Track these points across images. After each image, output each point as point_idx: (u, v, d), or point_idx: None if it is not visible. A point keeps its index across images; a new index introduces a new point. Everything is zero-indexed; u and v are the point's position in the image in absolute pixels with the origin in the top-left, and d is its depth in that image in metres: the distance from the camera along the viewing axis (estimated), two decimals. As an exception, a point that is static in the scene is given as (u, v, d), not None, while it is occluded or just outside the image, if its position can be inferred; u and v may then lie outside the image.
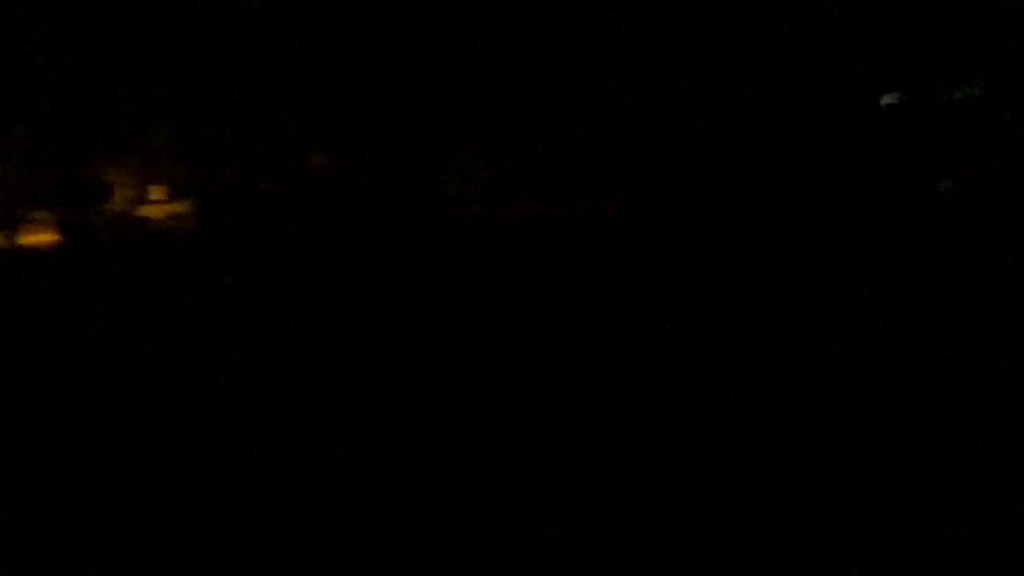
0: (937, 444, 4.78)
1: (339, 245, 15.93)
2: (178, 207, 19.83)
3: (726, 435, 4.89)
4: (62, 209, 18.37)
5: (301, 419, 5.58)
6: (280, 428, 5.44)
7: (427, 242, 16.16)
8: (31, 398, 6.56)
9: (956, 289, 8.16)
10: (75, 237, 17.79)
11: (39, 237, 18.76)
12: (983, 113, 15.58)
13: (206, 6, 18.24)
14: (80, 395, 6.52)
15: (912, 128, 16.38)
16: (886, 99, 17.19)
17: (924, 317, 7.55)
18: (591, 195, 19.43)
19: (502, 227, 17.50)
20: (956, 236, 11.56)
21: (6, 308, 11.64)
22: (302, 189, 18.65)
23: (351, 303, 10.37)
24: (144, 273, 14.46)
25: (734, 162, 16.42)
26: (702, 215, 15.72)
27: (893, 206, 15.00)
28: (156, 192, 21.75)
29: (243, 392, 6.30)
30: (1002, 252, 9.92)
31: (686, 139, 17.12)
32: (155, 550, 3.83)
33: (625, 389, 5.89)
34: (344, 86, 19.44)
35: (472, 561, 3.58)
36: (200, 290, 12.43)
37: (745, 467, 4.43)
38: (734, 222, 14.99)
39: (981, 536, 3.76)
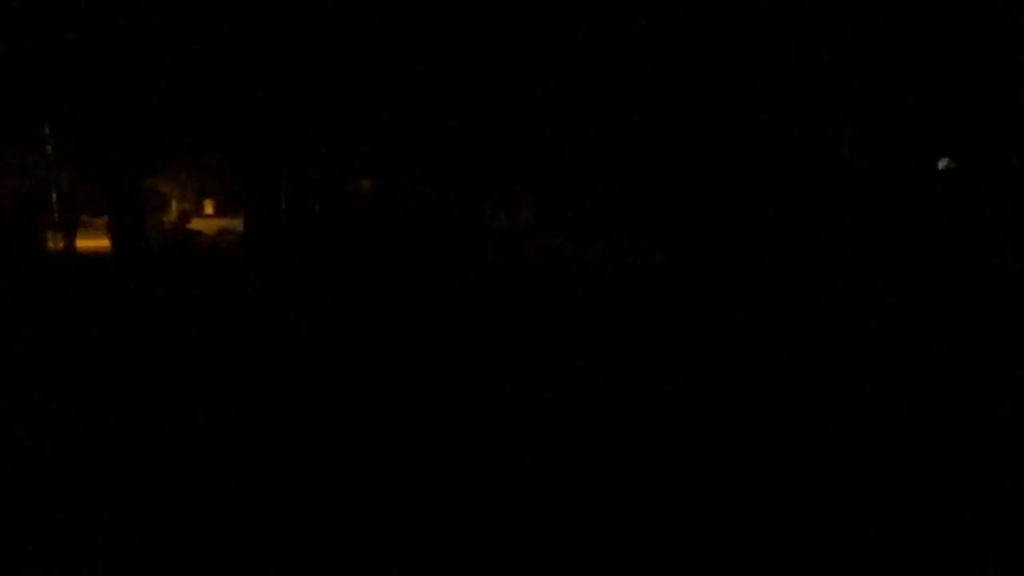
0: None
1: (389, 266, 16.29)
2: (229, 222, 20.53)
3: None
4: (119, 216, 18.94)
5: (334, 429, 5.72)
6: (311, 434, 5.57)
7: (473, 270, 16.59)
8: (79, 389, 6.76)
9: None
10: (130, 243, 18.29)
11: (96, 241, 19.43)
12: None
13: (263, 42, 18.99)
14: (126, 390, 6.70)
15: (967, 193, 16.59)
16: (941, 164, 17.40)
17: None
18: (614, 235, 20.81)
19: (538, 259, 18.22)
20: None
21: (61, 304, 12.02)
22: (352, 212, 19.20)
23: (397, 319, 10.61)
24: (192, 280, 14.84)
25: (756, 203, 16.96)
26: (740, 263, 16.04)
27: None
28: (209, 206, 22.68)
29: (279, 398, 6.45)
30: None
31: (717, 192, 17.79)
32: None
33: (642, 404, 6.04)
34: (406, 127, 20.11)
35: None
36: (243, 300, 12.71)
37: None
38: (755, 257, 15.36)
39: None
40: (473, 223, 19.07)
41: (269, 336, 8.92)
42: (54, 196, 21.19)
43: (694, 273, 16.05)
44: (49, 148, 21.09)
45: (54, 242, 19.69)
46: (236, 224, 20.06)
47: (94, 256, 18.61)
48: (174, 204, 20.89)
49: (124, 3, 18.14)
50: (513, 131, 20.67)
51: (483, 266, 16.92)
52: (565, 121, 20.25)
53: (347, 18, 18.91)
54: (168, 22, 18.43)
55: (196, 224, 20.55)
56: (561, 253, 19.23)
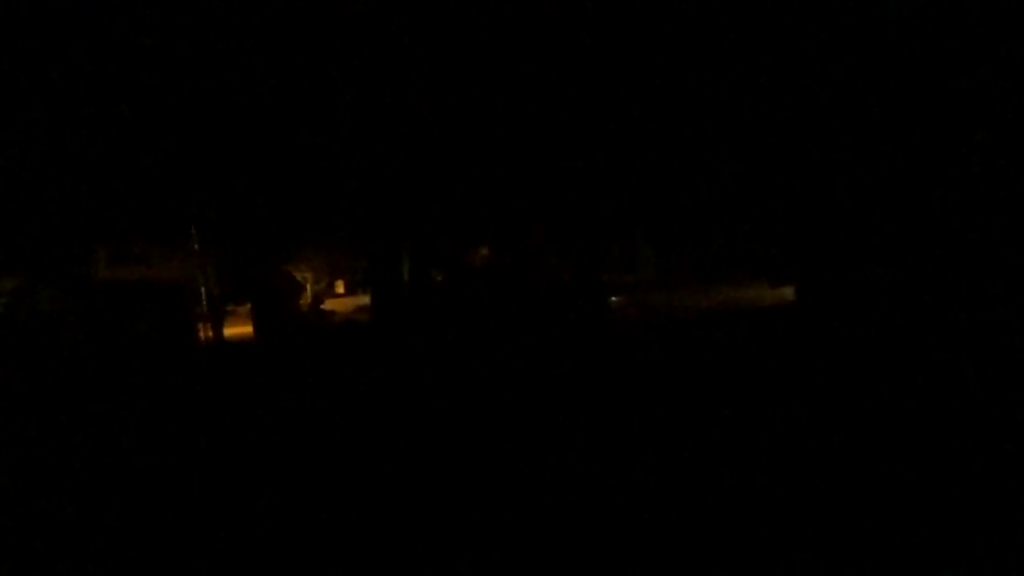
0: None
1: (511, 331, 16.37)
2: (360, 299, 21.42)
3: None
4: (260, 304, 20.17)
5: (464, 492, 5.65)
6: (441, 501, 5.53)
7: (593, 329, 16.40)
8: (229, 467, 7.06)
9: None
10: (271, 329, 19.38)
11: (241, 328, 20.74)
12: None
13: (372, 132, 19.86)
14: (274, 465, 6.95)
15: None
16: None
17: None
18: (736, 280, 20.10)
19: (659, 314, 17.86)
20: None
21: (210, 389, 12.80)
22: (473, 279, 19.49)
23: (522, 380, 10.54)
24: (329, 358, 15.48)
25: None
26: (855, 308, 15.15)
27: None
28: (340, 286, 23.86)
29: (410, 468, 6.49)
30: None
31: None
32: None
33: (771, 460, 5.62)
34: (519, 188, 20.36)
35: None
36: (378, 370, 13.04)
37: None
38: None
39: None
40: (593, 280, 18.87)
41: (401, 414, 9.02)
42: (202, 288, 22.85)
43: (828, 310, 15.34)
44: (196, 244, 22.87)
45: (204, 332, 21.13)
46: (367, 300, 20.87)
47: (240, 343, 19.83)
48: (308, 287, 22.02)
49: (253, 110, 19.51)
50: (627, 185, 20.43)
51: (607, 321, 16.73)
52: (682, 171, 19.85)
53: (458, 97, 19.41)
54: (295, 121, 19.57)
55: (329, 304, 21.52)
56: (682, 302, 18.85)
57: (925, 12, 15.90)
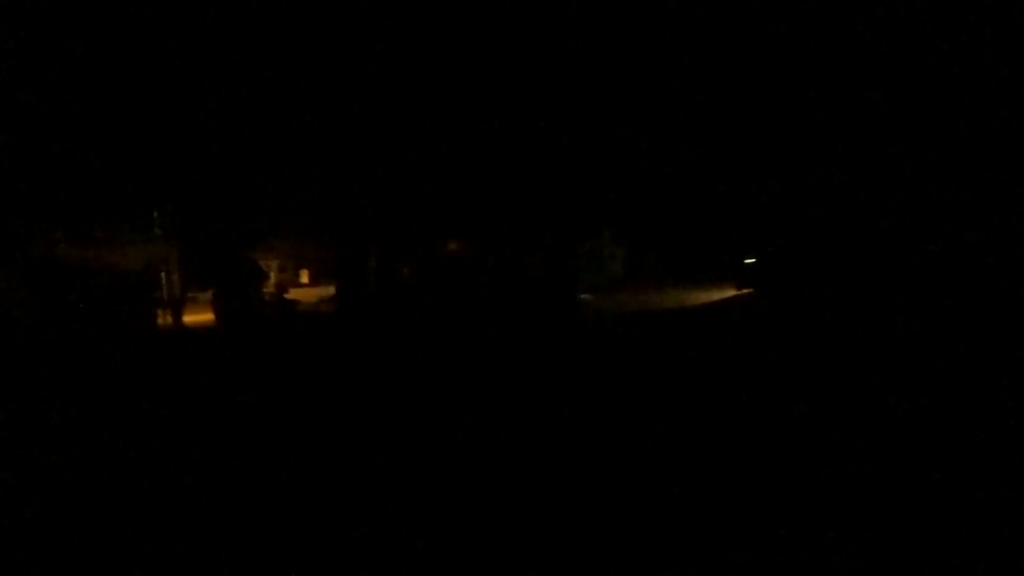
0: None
1: (478, 325, 16.38)
2: (324, 289, 21.22)
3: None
4: (222, 291, 19.81)
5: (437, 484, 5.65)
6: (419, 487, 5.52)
7: (563, 326, 16.53)
8: (193, 459, 6.93)
9: None
10: (233, 315, 19.06)
11: (201, 315, 20.34)
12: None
13: (339, 116, 19.75)
14: (235, 457, 6.84)
15: None
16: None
17: None
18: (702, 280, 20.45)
19: (627, 311, 18.05)
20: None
21: (172, 377, 12.52)
22: (439, 273, 19.48)
23: (488, 376, 10.57)
24: (293, 346, 15.28)
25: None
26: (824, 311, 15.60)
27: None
28: (305, 276, 23.66)
29: (379, 457, 6.47)
30: None
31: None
32: None
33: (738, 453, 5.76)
34: (491, 184, 20.45)
35: None
36: (341, 361, 12.94)
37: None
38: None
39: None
40: (563, 277, 19.03)
41: (364, 406, 8.97)
42: (162, 274, 22.39)
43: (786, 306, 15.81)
44: (157, 230, 22.42)
45: (163, 318, 20.67)
46: (330, 291, 20.69)
47: (199, 330, 19.41)
48: (272, 276, 21.71)
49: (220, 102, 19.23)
50: (598, 185, 20.72)
51: (576, 315, 16.93)
52: (653, 173, 20.24)
53: (430, 92, 19.43)
54: (264, 108, 19.35)
55: (293, 293, 21.24)
56: (650, 300, 19.17)
57: (886, 19, 16.54)
